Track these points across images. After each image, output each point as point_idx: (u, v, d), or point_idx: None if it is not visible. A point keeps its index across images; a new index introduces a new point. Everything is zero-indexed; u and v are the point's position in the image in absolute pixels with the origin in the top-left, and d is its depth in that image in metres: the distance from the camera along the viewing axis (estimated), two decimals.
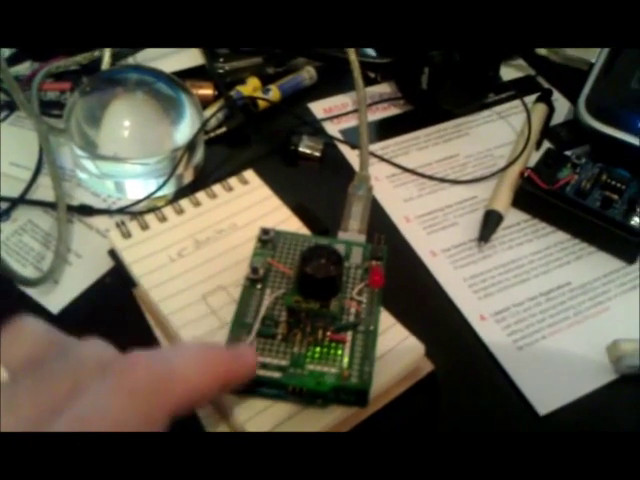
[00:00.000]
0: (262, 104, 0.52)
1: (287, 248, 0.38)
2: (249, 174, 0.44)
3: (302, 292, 0.34)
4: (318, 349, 0.33)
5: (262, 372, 0.32)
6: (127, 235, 0.40)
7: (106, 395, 0.23)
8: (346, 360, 0.33)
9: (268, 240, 0.38)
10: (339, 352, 0.33)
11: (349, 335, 0.34)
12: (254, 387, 0.32)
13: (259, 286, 0.36)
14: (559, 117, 0.53)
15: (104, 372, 0.24)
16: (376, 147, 0.50)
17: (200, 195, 0.43)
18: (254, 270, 0.36)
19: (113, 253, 0.41)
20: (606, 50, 0.50)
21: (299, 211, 0.42)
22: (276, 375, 0.32)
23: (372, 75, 0.55)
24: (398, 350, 0.35)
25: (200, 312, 0.37)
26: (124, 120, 0.45)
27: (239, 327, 0.34)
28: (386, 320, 0.36)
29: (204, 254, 0.40)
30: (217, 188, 0.43)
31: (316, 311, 0.34)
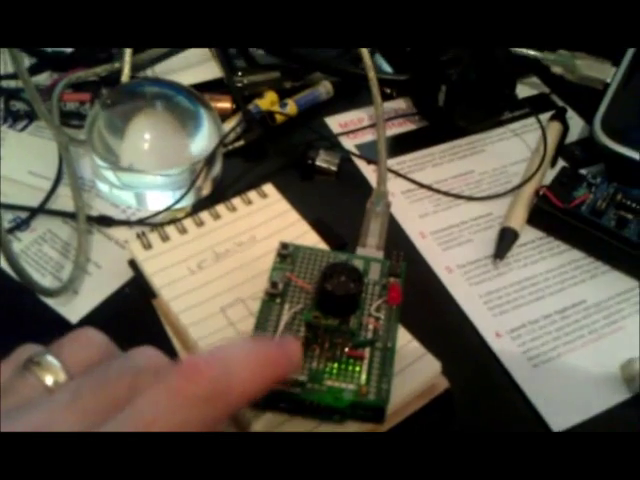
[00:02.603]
0: (279, 118, 0.53)
1: (306, 263, 0.38)
2: (268, 188, 0.45)
3: (321, 308, 0.35)
4: (336, 365, 0.34)
5: (280, 387, 0.32)
6: (148, 246, 0.41)
7: (168, 398, 0.23)
8: (364, 377, 0.33)
9: (287, 255, 0.38)
10: (357, 368, 0.34)
11: (367, 352, 0.34)
12: (272, 401, 0.32)
13: (278, 300, 0.36)
14: (573, 136, 0.53)
15: (162, 376, 0.24)
16: (392, 162, 0.51)
17: (220, 208, 0.43)
18: (273, 284, 0.36)
19: (133, 263, 0.42)
20: (622, 69, 0.50)
21: (317, 225, 0.43)
22: (295, 390, 0.32)
23: (388, 91, 0.56)
24: (415, 367, 0.35)
25: (219, 324, 0.37)
26: (145, 132, 0.45)
27: None
28: (403, 337, 0.36)
29: (223, 267, 0.40)
30: (236, 201, 0.44)
31: (335, 327, 0.34)
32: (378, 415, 0.33)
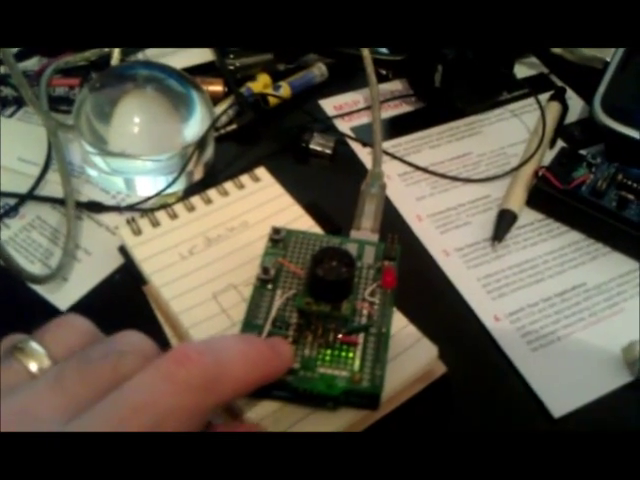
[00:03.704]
0: (273, 101, 0.52)
1: (299, 248, 0.37)
2: (260, 171, 0.44)
3: (313, 294, 0.34)
4: (329, 352, 0.33)
5: None
6: (138, 232, 0.40)
7: (160, 382, 0.23)
8: (358, 363, 0.32)
9: (279, 239, 0.37)
10: (350, 355, 0.33)
11: (361, 337, 0.33)
12: (265, 389, 0.32)
13: (270, 286, 0.35)
14: (572, 116, 0.52)
15: (153, 360, 0.24)
16: (388, 145, 0.50)
17: (211, 192, 0.42)
18: (265, 270, 0.36)
19: (123, 250, 0.41)
20: (622, 48, 0.49)
21: (311, 209, 0.42)
22: (287, 378, 0.32)
23: (384, 72, 0.55)
24: (411, 352, 0.35)
25: (211, 311, 0.36)
26: (134, 116, 0.44)
27: (249, 328, 0.34)
28: (399, 321, 0.35)
29: (215, 252, 0.39)
30: (228, 185, 0.43)
31: (327, 313, 0.33)
32: (372, 402, 0.32)
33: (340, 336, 0.33)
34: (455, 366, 0.36)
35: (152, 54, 0.54)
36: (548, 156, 0.47)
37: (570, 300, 0.41)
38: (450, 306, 0.41)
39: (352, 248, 0.37)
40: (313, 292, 0.34)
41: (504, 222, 0.44)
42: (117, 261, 0.41)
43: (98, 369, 0.24)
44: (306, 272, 0.35)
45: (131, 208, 0.44)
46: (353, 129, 0.51)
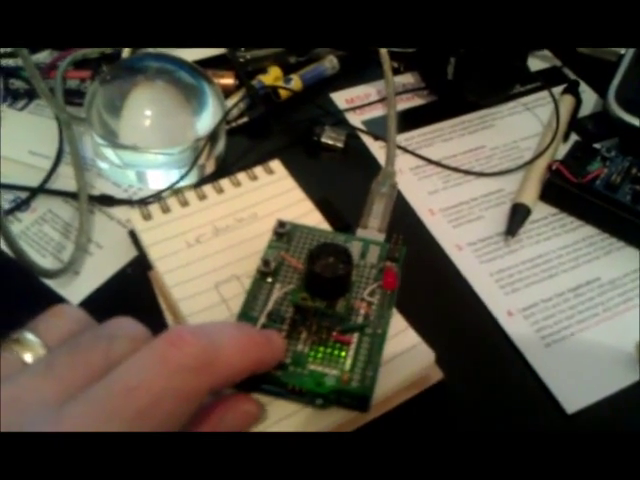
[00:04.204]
0: (284, 94, 0.52)
1: (302, 243, 0.37)
2: (275, 164, 0.43)
3: (309, 290, 0.34)
4: (322, 349, 0.32)
5: None
6: (148, 217, 0.40)
7: (154, 364, 0.23)
8: (349, 362, 0.32)
9: (284, 233, 0.37)
10: (343, 354, 0.32)
11: (355, 337, 0.33)
12: (254, 383, 0.31)
13: (269, 279, 0.35)
14: (586, 109, 0.52)
15: (147, 343, 0.24)
16: (400, 138, 0.49)
17: (224, 182, 0.42)
18: (265, 263, 0.35)
19: (133, 235, 0.41)
20: None
21: (321, 205, 0.41)
22: (277, 373, 0.31)
23: (395, 65, 0.54)
24: (406, 356, 0.34)
25: (211, 301, 0.36)
26: (145, 109, 0.44)
27: (245, 319, 0.34)
28: (398, 324, 0.35)
29: (222, 242, 0.39)
30: (242, 176, 0.43)
31: (322, 310, 0.33)
32: (362, 404, 0.31)
33: (334, 334, 0.33)
34: (468, 359, 0.36)
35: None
36: (562, 150, 0.47)
37: (584, 295, 0.40)
38: (463, 301, 0.40)
39: (356, 246, 0.37)
40: (309, 288, 0.34)
41: (517, 216, 0.43)
42: (129, 255, 0.41)
43: (89, 354, 0.24)
44: (303, 268, 0.35)
45: (143, 202, 0.44)
46: (365, 122, 0.51)
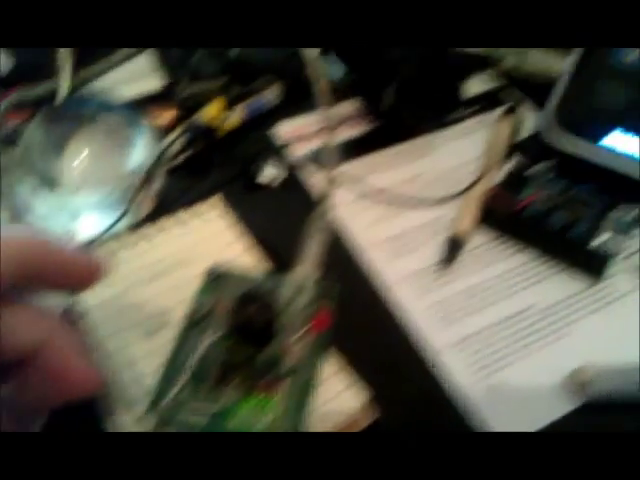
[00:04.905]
0: (225, 128, 0.51)
1: (232, 288, 0.37)
2: (214, 201, 0.44)
3: (236, 337, 0.34)
4: (251, 397, 0.32)
5: (192, 417, 0.32)
6: None
7: None
8: (280, 410, 0.32)
9: (214, 279, 0.37)
10: (272, 402, 0.32)
11: (286, 383, 0.33)
12: None
13: (198, 326, 0.35)
14: (526, 131, 0.52)
15: None
16: (344, 168, 0.49)
17: (161, 223, 0.42)
18: (195, 310, 0.36)
19: None
20: (570, 62, 0.48)
21: (260, 243, 0.41)
22: (204, 421, 0.31)
23: (334, 94, 0.54)
24: (338, 400, 0.34)
25: (140, 352, 0.36)
26: (79, 152, 0.44)
27: (172, 368, 0.33)
28: (330, 366, 0.35)
29: (155, 288, 0.39)
30: (175, 218, 0.43)
31: (249, 357, 0.33)
32: None
33: (262, 382, 0.33)
34: (405, 398, 0.36)
35: (102, 84, 0.54)
36: (503, 173, 0.47)
37: (520, 324, 0.41)
38: (400, 336, 0.40)
39: (288, 288, 0.36)
40: (236, 336, 0.34)
41: (451, 248, 0.43)
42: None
43: None
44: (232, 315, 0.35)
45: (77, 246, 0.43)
46: (307, 154, 0.51)
